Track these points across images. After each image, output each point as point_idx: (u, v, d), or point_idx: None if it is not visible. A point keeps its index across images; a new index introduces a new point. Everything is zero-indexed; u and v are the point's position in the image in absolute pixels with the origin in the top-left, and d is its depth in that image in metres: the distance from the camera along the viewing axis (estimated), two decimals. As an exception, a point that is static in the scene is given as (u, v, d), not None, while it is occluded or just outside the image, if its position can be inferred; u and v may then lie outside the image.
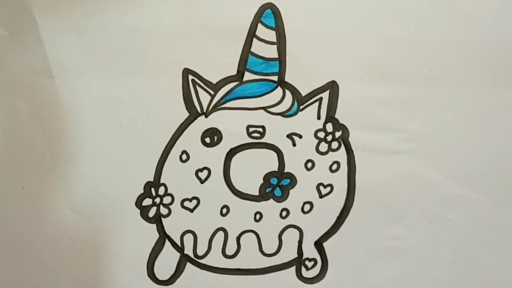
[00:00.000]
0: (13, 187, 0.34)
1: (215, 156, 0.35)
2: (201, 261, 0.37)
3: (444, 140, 0.37)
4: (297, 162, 0.36)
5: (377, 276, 0.38)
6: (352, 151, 0.36)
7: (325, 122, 0.36)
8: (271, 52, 0.34)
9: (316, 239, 0.37)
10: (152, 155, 0.35)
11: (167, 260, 0.37)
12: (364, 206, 0.37)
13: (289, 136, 0.36)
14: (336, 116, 0.36)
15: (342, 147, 0.36)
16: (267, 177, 0.36)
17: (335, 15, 0.34)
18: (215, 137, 0.35)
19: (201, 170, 0.35)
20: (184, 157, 0.35)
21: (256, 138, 0.35)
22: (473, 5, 0.34)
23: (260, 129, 0.35)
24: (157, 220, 0.36)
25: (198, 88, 0.34)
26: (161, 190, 0.35)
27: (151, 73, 0.33)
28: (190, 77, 0.34)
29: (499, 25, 0.35)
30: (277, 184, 0.36)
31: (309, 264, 0.38)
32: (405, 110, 0.36)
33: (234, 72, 0.34)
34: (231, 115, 0.35)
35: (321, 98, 0.35)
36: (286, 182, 0.36)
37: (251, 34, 0.33)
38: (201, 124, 0.35)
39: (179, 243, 0.37)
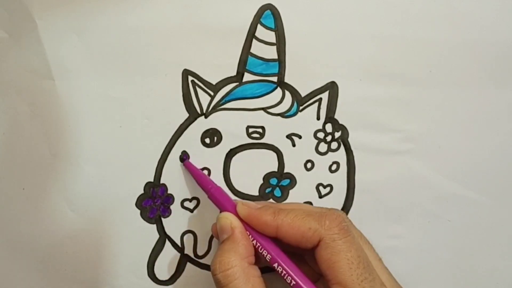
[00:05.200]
0: (13, 188, 0.34)
1: (215, 157, 0.35)
2: (201, 261, 0.37)
3: (443, 140, 0.37)
4: (297, 162, 0.36)
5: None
6: (351, 151, 0.36)
7: (325, 123, 0.36)
8: (271, 53, 0.34)
9: (315, 239, 0.37)
10: (152, 156, 0.35)
11: (167, 260, 0.37)
12: (363, 206, 0.37)
13: (289, 136, 0.36)
14: (336, 116, 0.36)
15: (342, 147, 0.36)
16: (267, 177, 0.36)
17: (334, 16, 0.33)
18: (215, 138, 0.35)
19: (201, 170, 0.35)
20: (184, 157, 0.35)
21: (256, 139, 0.35)
22: (472, 5, 0.34)
23: (260, 130, 0.35)
24: (157, 220, 0.36)
25: (197, 89, 0.34)
26: (161, 191, 0.35)
27: (151, 74, 0.33)
28: (190, 78, 0.34)
29: (499, 25, 0.35)
30: (277, 185, 0.36)
31: (309, 263, 0.38)
32: (405, 110, 0.36)
33: (234, 73, 0.34)
34: (231, 116, 0.35)
35: (321, 98, 0.35)
36: (285, 182, 0.36)
37: (251, 35, 0.33)
38: (201, 124, 0.35)
39: (179, 243, 0.37)
